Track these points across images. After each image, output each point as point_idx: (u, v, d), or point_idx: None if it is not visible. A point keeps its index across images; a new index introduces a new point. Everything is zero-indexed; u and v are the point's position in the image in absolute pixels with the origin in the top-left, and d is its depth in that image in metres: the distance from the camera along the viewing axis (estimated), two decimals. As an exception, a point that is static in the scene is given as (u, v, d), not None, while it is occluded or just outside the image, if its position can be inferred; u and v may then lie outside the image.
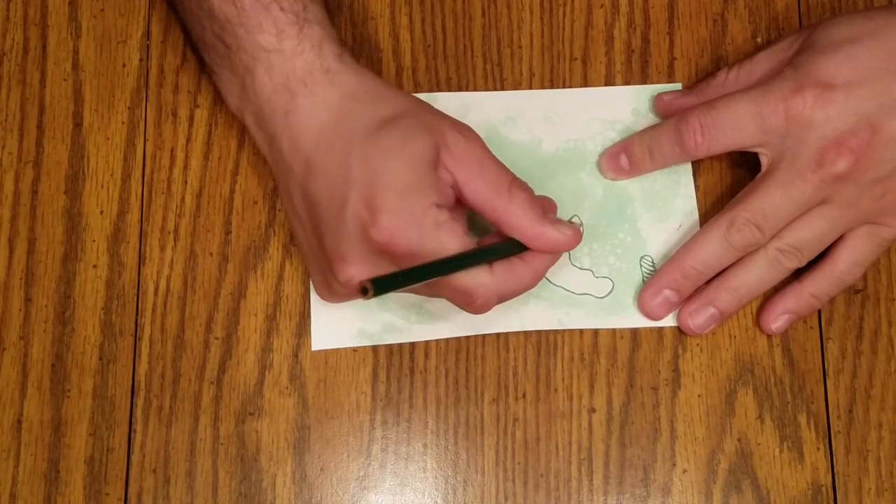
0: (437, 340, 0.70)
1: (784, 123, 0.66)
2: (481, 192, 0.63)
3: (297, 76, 0.64)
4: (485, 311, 0.63)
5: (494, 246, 0.64)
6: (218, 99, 0.72)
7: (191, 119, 0.72)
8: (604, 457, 0.68)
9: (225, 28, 0.65)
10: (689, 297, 0.69)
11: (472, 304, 0.63)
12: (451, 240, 0.61)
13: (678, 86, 0.73)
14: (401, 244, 0.61)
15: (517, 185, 0.64)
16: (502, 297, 0.64)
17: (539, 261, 0.65)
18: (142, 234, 0.71)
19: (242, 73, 0.65)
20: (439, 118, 0.65)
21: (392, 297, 0.69)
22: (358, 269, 0.62)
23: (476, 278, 0.62)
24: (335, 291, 0.65)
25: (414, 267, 0.60)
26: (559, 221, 0.65)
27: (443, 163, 0.63)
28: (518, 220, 0.63)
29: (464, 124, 0.65)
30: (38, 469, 0.68)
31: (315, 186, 0.63)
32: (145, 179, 0.71)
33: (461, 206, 0.65)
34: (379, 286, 0.57)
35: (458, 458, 0.68)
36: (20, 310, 0.69)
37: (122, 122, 0.72)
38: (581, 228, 0.68)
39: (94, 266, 0.70)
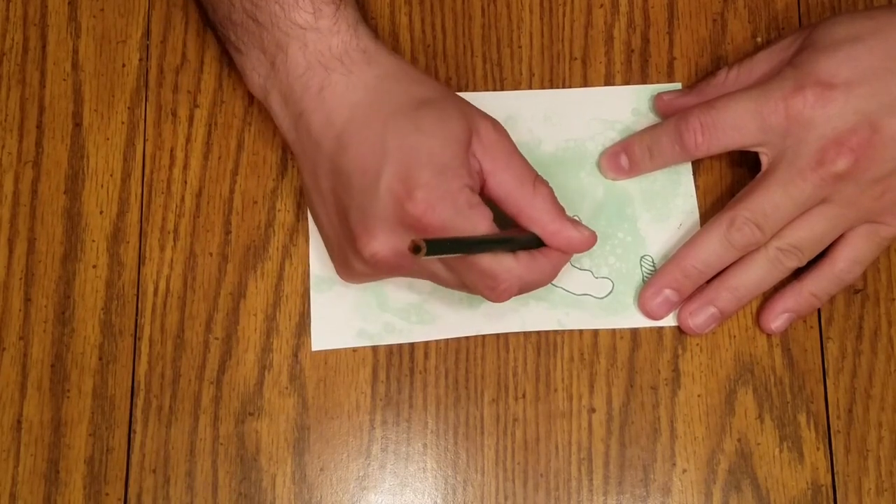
0: (437, 340, 0.69)
1: (784, 123, 0.66)
2: (506, 183, 0.64)
3: (334, 54, 0.64)
4: (506, 299, 0.64)
5: (519, 236, 0.64)
6: (218, 99, 0.72)
7: (190, 119, 0.72)
8: (604, 457, 0.68)
9: (259, 5, 0.65)
10: (690, 297, 0.69)
11: (495, 288, 0.63)
12: (482, 222, 0.62)
13: (678, 85, 0.73)
14: (434, 218, 0.61)
15: (541, 181, 0.65)
16: (523, 287, 0.64)
17: (557, 257, 0.65)
18: (141, 234, 0.71)
19: (274, 50, 0.65)
20: (472, 107, 0.66)
21: (392, 297, 0.70)
22: (383, 245, 0.62)
23: (503, 262, 0.63)
24: (354, 270, 0.65)
25: (462, 238, 0.61)
26: (577, 222, 0.65)
27: (472, 150, 0.64)
28: (539, 214, 0.64)
29: (493, 118, 0.66)
30: (37, 469, 0.68)
31: (346, 161, 0.63)
32: (145, 179, 0.71)
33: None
34: (431, 247, 0.57)
35: (457, 458, 0.68)
36: (20, 310, 0.69)
37: (122, 122, 0.72)
38: None
39: (94, 266, 0.70)
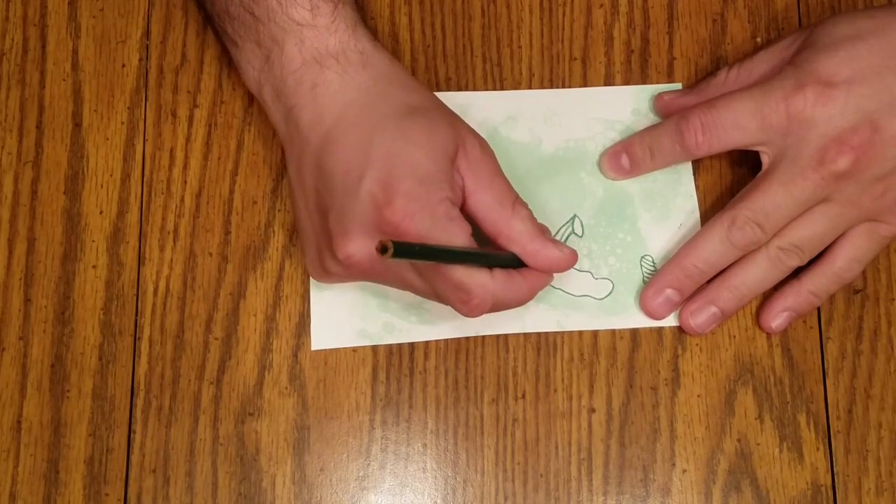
0: (436, 340, 0.69)
1: (785, 122, 0.66)
2: (486, 202, 0.64)
3: (330, 52, 0.65)
4: (477, 314, 0.63)
5: (498, 253, 0.64)
6: (218, 99, 0.72)
7: (190, 119, 0.72)
8: (603, 457, 0.68)
9: (257, 0, 0.65)
10: (691, 297, 0.69)
11: (467, 302, 0.63)
12: (459, 236, 0.62)
13: (678, 86, 0.73)
14: (412, 227, 0.61)
15: (520, 202, 0.65)
16: (496, 305, 0.64)
17: (535, 278, 0.65)
18: (141, 235, 0.71)
19: (269, 45, 0.65)
20: (462, 122, 0.66)
21: (392, 297, 0.69)
22: (358, 247, 0.62)
23: (476, 277, 0.63)
24: (329, 270, 0.65)
25: (433, 245, 0.61)
26: (558, 241, 0.65)
27: (457, 165, 0.64)
28: (518, 235, 0.64)
29: (481, 136, 0.66)
30: (37, 469, 0.67)
31: (331, 160, 0.63)
32: (145, 179, 0.71)
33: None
34: (398, 248, 0.57)
35: (457, 458, 0.68)
36: (20, 310, 0.69)
37: (122, 123, 0.72)
38: (581, 229, 0.69)
39: (94, 266, 0.70)
